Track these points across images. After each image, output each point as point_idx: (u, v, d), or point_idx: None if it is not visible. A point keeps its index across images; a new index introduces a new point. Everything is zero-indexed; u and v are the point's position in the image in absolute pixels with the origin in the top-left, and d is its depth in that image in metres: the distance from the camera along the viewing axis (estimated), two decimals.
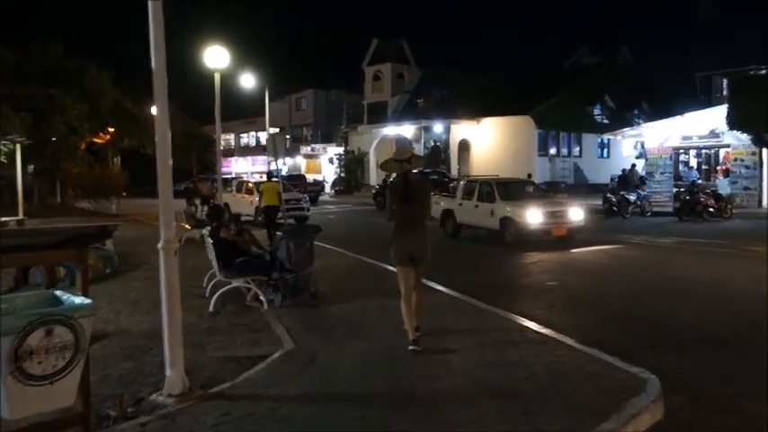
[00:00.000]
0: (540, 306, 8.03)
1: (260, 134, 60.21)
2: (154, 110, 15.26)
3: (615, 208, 21.76)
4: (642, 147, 27.75)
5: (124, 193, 27.63)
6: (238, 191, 24.13)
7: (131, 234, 18.46)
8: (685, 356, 5.75)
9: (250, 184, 23.56)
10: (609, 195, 22.20)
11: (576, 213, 14.45)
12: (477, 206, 15.38)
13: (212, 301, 7.45)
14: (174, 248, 4.70)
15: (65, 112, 22.13)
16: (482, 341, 5.97)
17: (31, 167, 22.54)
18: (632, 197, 21.82)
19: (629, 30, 78.53)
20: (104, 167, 28.24)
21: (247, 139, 69.11)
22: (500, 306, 7.51)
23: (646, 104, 42.66)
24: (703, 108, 25.81)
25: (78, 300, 3.50)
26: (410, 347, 5.68)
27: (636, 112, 42.25)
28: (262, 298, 7.50)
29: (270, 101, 62.49)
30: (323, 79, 61.30)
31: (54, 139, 22.43)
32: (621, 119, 38.99)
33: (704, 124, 23.55)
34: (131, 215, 26.23)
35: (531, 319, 6.84)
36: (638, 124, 32.26)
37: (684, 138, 24.41)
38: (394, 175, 6.27)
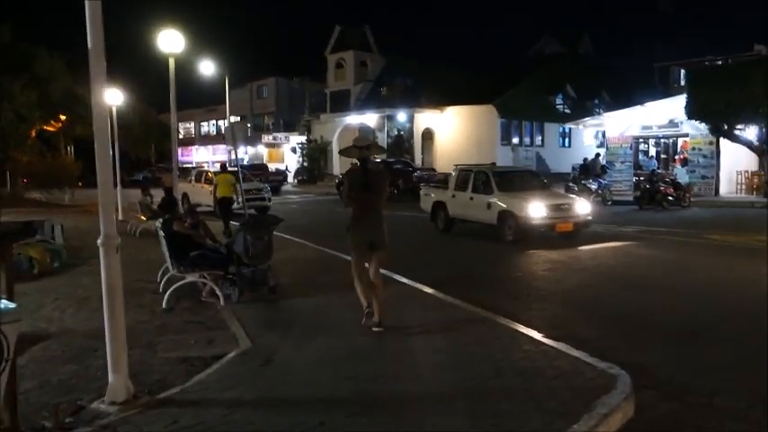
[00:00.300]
0: (522, 305, 7.87)
1: (221, 123, 59.06)
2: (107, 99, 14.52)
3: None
4: (603, 136, 27.97)
5: (80, 183, 26.60)
6: (197, 180, 23.51)
7: (84, 225, 17.77)
8: (657, 350, 5.63)
9: (209, 174, 22.96)
10: (570, 184, 22.33)
11: (582, 207, 13.17)
12: (471, 198, 13.97)
13: (165, 298, 7.07)
14: (114, 244, 4.33)
15: (12, 99, 21.09)
16: (449, 336, 5.76)
17: None
18: (594, 186, 22.00)
19: (591, 17, 79.32)
20: (57, 156, 27.18)
21: (208, 127, 67.78)
22: (469, 299, 7.31)
23: (606, 94, 43.21)
24: (661, 98, 26.15)
25: (1, 305, 3.14)
26: (367, 323, 5.94)
27: (596, 101, 42.76)
28: (218, 293, 7.16)
29: (231, 88, 61.01)
30: (285, 67, 60.45)
31: (1, 126, 21.37)
32: (582, 108, 39.41)
33: (663, 114, 23.85)
34: (85, 206, 25.32)
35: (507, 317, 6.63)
36: (599, 114, 32.62)
37: (644, 127, 24.70)
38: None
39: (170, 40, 11.33)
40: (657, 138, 25.35)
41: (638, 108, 24.59)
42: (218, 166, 41.98)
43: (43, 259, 9.23)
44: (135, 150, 26.51)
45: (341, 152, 6.82)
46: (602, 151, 32.04)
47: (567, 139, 39.96)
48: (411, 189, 26.68)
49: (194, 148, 67.90)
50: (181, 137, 70.97)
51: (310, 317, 6.61)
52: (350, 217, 6.16)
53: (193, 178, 23.99)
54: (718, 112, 20.44)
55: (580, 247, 12.16)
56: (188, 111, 67.07)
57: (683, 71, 46.42)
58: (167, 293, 7.11)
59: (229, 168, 18.37)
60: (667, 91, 40.48)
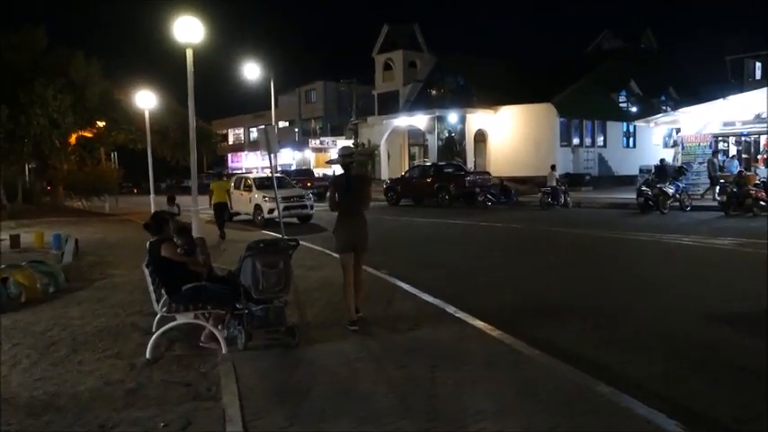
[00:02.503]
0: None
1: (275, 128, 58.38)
2: (140, 101, 13.07)
3: (652, 202, 19.52)
4: (677, 134, 25.35)
5: (135, 189, 25.70)
6: (237, 187, 22.18)
7: (112, 237, 16.65)
8: None
9: (249, 181, 21.61)
10: (644, 188, 19.93)
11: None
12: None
13: (150, 344, 5.45)
14: None
15: (45, 104, 20.24)
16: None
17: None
18: (671, 190, 19.57)
19: (653, 12, 75.27)
20: (96, 164, 26.46)
21: (256, 133, 67.44)
22: None
23: (673, 90, 40.22)
24: (736, 92, 23.43)
25: None
26: (350, 328, 6.25)
27: (663, 98, 39.85)
28: (219, 337, 5.51)
29: (279, 94, 60.82)
30: (333, 70, 59.38)
31: (33, 133, 20.53)
32: (648, 106, 36.64)
33: (749, 108, 21.21)
34: (124, 214, 24.51)
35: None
36: (666, 111, 29.96)
37: (726, 124, 22.07)
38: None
39: (187, 29, 9.84)
40: (741, 135, 22.63)
41: (718, 102, 21.97)
42: (267, 171, 41.21)
43: (32, 285, 7.81)
44: (175, 156, 25.48)
45: (331, 162, 9.15)
46: (669, 152, 29.53)
47: (631, 140, 37.17)
48: (464, 194, 24.75)
49: (244, 153, 67.62)
50: (231, 143, 71.12)
51: (338, 377, 4.87)
52: (336, 219, 6.64)
53: (233, 185, 22.68)
54: None
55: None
56: (237, 116, 66.93)
57: (758, 63, 43.05)
58: (153, 338, 5.49)
59: (268, 173, 17.87)
60: (741, 86, 37.30)
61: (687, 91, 38.13)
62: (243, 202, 21.16)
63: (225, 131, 70.11)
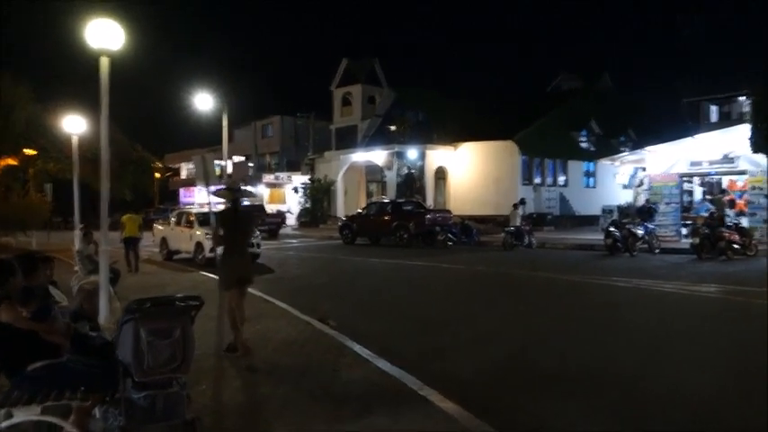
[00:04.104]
0: None
1: (226, 162, 56.63)
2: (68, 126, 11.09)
3: (620, 244, 18.51)
4: (643, 172, 24.67)
5: (89, 224, 23.54)
6: (178, 223, 20.33)
7: None
8: None
9: (191, 216, 19.76)
10: (612, 229, 18.92)
11: None
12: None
13: None
14: None
15: None
16: None
17: None
18: (640, 231, 18.61)
19: (610, 56, 76.89)
20: (24, 195, 24.16)
21: (193, 162, 65.28)
22: None
23: (632, 131, 40.19)
24: (691, 134, 22.95)
25: None
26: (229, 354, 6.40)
27: (622, 138, 39.72)
28: None
29: (235, 128, 59.18)
30: (290, 104, 58.18)
31: None
32: (608, 146, 36.33)
33: (717, 148, 20.62)
34: (52, 251, 22.28)
35: None
36: (624, 151, 29.49)
37: (693, 163, 21.41)
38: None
39: (102, 33, 8.24)
40: (710, 175, 22.02)
41: (686, 141, 21.39)
42: (209, 207, 39.47)
43: None
44: (112, 188, 23.42)
45: (215, 194, 7.16)
46: (636, 191, 28.92)
47: (592, 179, 36.69)
48: (424, 233, 23.39)
49: (196, 188, 65.17)
50: (183, 177, 68.61)
51: None
52: (221, 254, 6.60)
53: (173, 220, 20.83)
54: None
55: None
56: (190, 150, 64.66)
57: (713, 107, 43.64)
58: None
59: (205, 209, 16.55)
60: (698, 127, 37.51)
61: (645, 132, 38.06)
62: (183, 239, 19.32)
63: (178, 166, 67.78)
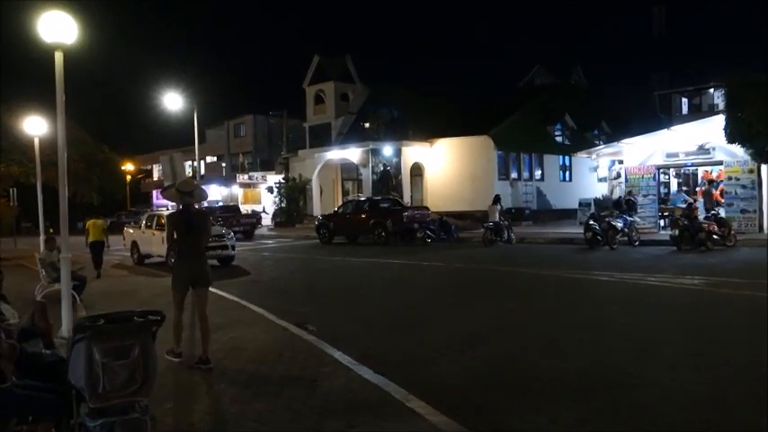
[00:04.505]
0: None
1: (198, 163, 55.54)
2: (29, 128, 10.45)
3: (600, 237, 18.38)
4: (619, 165, 24.68)
5: (51, 229, 22.76)
6: (148, 226, 19.71)
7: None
8: None
9: (162, 219, 19.10)
10: (591, 223, 18.78)
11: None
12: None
13: None
14: None
15: None
16: None
17: None
18: (619, 224, 18.49)
19: (581, 50, 77.12)
20: None
21: (161, 163, 64.26)
22: None
23: (605, 124, 40.36)
24: (663, 127, 22.97)
25: None
26: (172, 359, 6.33)
27: (596, 132, 39.88)
28: None
29: (207, 128, 58.21)
30: (263, 103, 57.38)
31: None
32: (582, 139, 36.43)
33: (692, 139, 20.62)
34: (17, 258, 21.49)
35: None
36: (598, 145, 29.56)
37: (669, 155, 21.40)
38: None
39: (56, 27, 7.73)
40: (686, 166, 22.04)
41: (662, 133, 21.34)
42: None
43: None
44: (79, 192, 22.68)
45: (163, 193, 6.96)
46: (612, 183, 28.98)
47: (567, 173, 36.71)
48: (402, 231, 23.05)
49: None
50: (156, 179, 67.28)
51: None
52: (174, 257, 6.67)
53: (144, 223, 20.19)
54: (763, 134, 17.24)
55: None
56: (163, 152, 63.40)
57: (684, 99, 44.06)
58: None
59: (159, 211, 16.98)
60: (670, 120, 37.77)
61: (618, 125, 38.27)
62: (155, 243, 18.68)
63: (150, 167, 66.51)
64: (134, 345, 3.54)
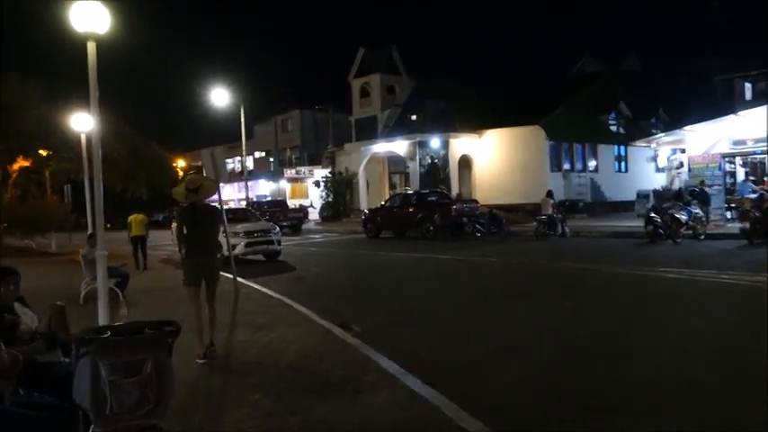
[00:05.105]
0: None
1: (247, 158, 56.01)
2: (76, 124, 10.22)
3: (662, 231, 17.31)
4: (681, 153, 23.35)
5: (108, 225, 22.99)
6: None
7: (47, 282, 13.92)
8: None
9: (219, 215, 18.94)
10: (653, 215, 17.71)
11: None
12: None
13: None
14: None
15: None
16: None
17: None
18: (684, 216, 17.37)
19: (636, 36, 73.96)
20: (41, 196, 23.65)
21: (233, 164, 65.03)
22: None
23: (663, 112, 38.54)
24: (730, 113, 21.44)
25: None
26: (198, 361, 6.16)
27: (653, 120, 38.12)
28: None
29: (255, 124, 58.61)
30: (309, 97, 57.15)
31: None
32: (638, 128, 34.83)
33: (762, 125, 19.20)
34: (70, 253, 21.77)
35: None
36: (656, 133, 28.12)
37: (736, 142, 20.05)
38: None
39: (88, 15, 7.40)
40: (754, 154, 20.63)
41: (729, 119, 19.99)
42: (232, 203, 38.82)
43: None
44: (129, 188, 22.90)
45: (173, 194, 7.11)
46: (671, 174, 27.57)
47: (623, 163, 35.23)
48: (450, 225, 22.37)
49: (220, 185, 64.70)
50: (204, 175, 68.18)
51: None
52: (184, 253, 6.48)
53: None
54: None
55: None
56: (210, 148, 64.11)
57: (747, 84, 41.65)
58: None
59: (213, 204, 16.77)
60: (732, 106, 35.76)
61: (677, 112, 36.47)
62: None
63: (200, 163, 67.43)
64: (146, 360, 3.08)
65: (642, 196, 26.02)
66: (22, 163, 22.43)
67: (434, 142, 31.99)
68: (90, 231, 13.98)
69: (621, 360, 6.09)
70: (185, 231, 6.48)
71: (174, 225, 21.79)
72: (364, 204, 34.19)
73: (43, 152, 22.21)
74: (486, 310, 9.24)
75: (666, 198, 20.43)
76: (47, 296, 11.71)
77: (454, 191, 30.79)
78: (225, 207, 19.62)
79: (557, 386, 5.39)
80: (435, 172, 32.13)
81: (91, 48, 7.57)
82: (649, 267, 12.32)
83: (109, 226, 15.65)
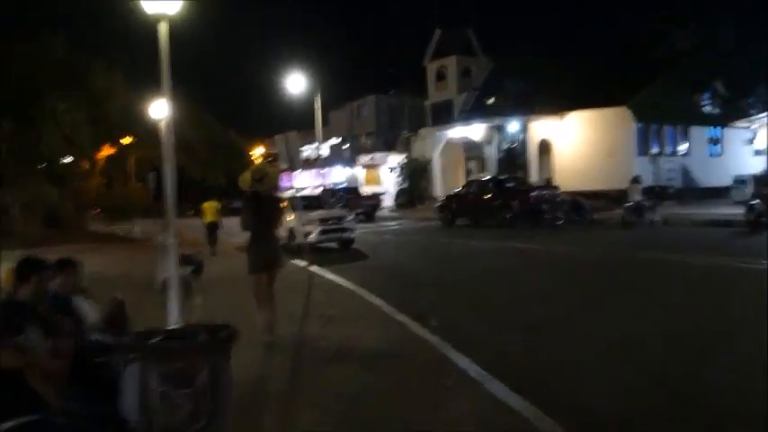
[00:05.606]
0: None
1: (322, 145, 56.39)
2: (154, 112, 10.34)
3: (765, 219, 15.85)
4: None
5: (192, 211, 23.67)
6: None
7: (117, 269, 14.27)
8: None
9: (284, 202, 18.93)
10: (755, 202, 16.25)
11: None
12: None
13: None
14: None
15: (56, 120, 18.21)
16: None
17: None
18: None
19: (727, 9, 68.46)
20: (125, 183, 24.50)
21: (308, 151, 65.72)
22: None
23: (764, 91, 35.64)
24: None
25: None
26: (265, 341, 6.30)
27: (751, 100, 35.36)
28: None
29: (331, 110, 58.87)
30: (384, 82, 56.70)
31: (45, 153, 18.52)
32: (736, 108, 32.37)
33: None
34: (154, 239, 22.42)
35: None
36: (753, 114, 25.96)
37: None
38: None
39: None
40: None
41: None
42: (318, 190, 39.16)
43: None
44: (207, 176, 23.35)
45: (239, 182, 6.95)
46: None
47: (718, 146, 32.89)
48: (529, 212, 21.46)
49: (295, 172, 65.67)
50: (279, 160, 69.37)
51: None
52: (249, 239, 6.62)
53: None
54: None
55: None
56: (286, 134, 65.03)
57: None
58: None
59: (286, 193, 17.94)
60: None
61: None
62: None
63: (276, 150, 68.55)
64: (200, 369, 2.74)
65: (739, 181, 24.19)
66: (107, 151, 23.36)
67: (513, 126, 30.92)
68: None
69: (735, 367, 5.34)
70: (250, 219, 6.55)
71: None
72: (439, 191, 33.57)
73: (127, 140, 23.00)
74: (573, 305, 8.55)
75: (766, 183, 18.76)
76: (126, 283, 11.98)
77: (534, 177, 29.68)
78: (299, 194, 19.67)
79: (663, 396, 4.74)
80: (513, 157, 31.09)
81: (162, 29, 7.40)
82: (751, 259, 11.18)
83: (193, 212, 16.17)
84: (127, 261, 16.04)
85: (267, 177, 6.72)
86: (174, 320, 7.57)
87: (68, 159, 22.28)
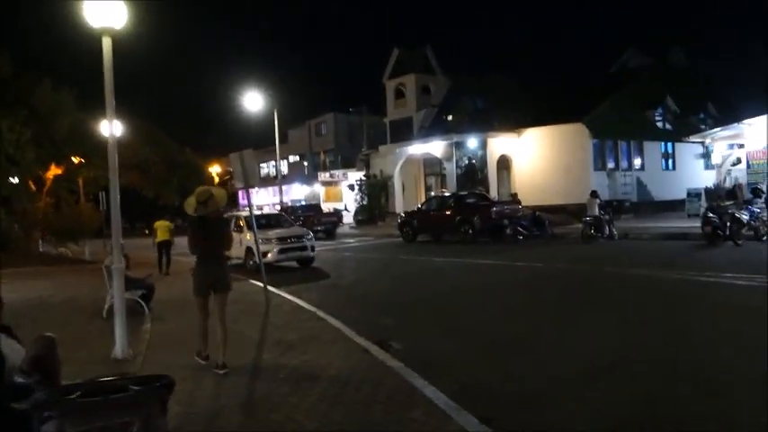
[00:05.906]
0: None
1: (281, 162, 55.77)
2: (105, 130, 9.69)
3: (721, 232, 16.08)
4: (738, 149, 21.94)
5: (146, 231, 22.89)
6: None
7: (64, 293, 13.54)
8: None
9: (241, 221, 18.42)
10: (711, 215, 16.49)
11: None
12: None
13: None
14: None
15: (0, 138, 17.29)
16: None
17: None
18: (745, 216, 16.13)
19: (679, 29, 70.98)
20: (75, 204, 23.51)
21: (267, 169, 64.96)
22: None
23: (712, 107, 36.74)
24: None
25: None
26: (200, 360, 6.49)
27: (701, 115, 36.37)
28: None
29: (289, 128, 58.40)
30: (343, 100, 56.77)
31: None
32: (686, 124, 33.22)
33: None
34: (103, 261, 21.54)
35: None
36: (704, 129, 26.63)
37: None
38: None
39: (103, 10, 6.82)
40: None
41: None
42: (266, 208, 38.42)
43: None
44: (161, 194, 22.57)
45: (185, 206, 6.82)
46: (720, 172, 26.10)
47: (670, 161, 33.67)
48: (490, 227, 21.41)
49: (254, 190, 64.69)
50: (234, 178, 68.31)
51: None
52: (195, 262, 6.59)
53: None
54: None
55: None
56: (243, 152, 63.97)
57: None
58: None
59: (241, 212, 17.80)
60: None
61: (728, 107, 34.74)
62: (233, 245, 17.99)
63: (232, 168, 67.59)
64: (130, 424, 2.35)
65: (693, 195, 24.68)
66: (55, 171, 22.38)
67: (472, 142, 31.03)
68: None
69: (722, 389, 5.16)
70: (195, 242, 6.52)
71: None
72: (400, 207, 33.41)
73: (76, 159, 22.08)
74: (537, 322, 8.35)
75: (719, 196, 19.17)
76: (71, 309, 11.29)
77: (493, 192, 29.77)
78: (257, 212, 19.13)
79: (638, 418, 4.50)
80: (473, 173, 31.15)
81: (106, 44, 7.00)
82: (716, 273, 11.23)
83: (147, 232, 15.78)
84: (75, 285, 15.26)
85: (212, 199, 6.56)
86: (120, 350, 7.10)
87: (14, 180, 21.36)
